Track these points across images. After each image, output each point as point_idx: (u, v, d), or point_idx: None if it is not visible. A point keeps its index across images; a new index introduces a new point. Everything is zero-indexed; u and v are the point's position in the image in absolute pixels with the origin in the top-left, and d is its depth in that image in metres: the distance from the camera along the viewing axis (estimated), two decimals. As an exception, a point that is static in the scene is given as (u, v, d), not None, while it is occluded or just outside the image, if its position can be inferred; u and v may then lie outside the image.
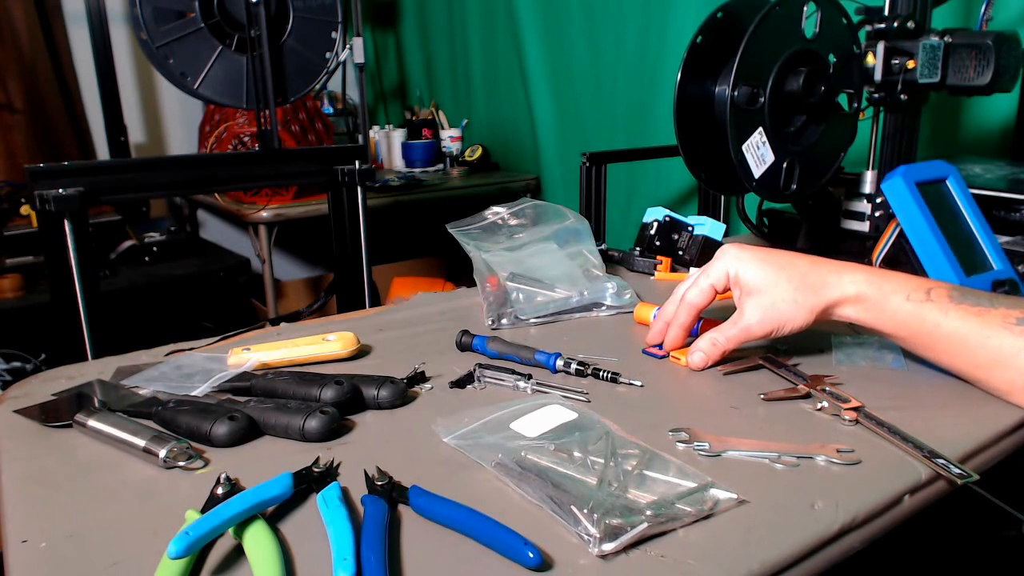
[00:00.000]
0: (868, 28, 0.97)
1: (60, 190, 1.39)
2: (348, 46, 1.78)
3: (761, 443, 0.59)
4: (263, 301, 2.49)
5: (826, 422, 0.64)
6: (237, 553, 0.48)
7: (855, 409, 0.64)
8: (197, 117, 2.69)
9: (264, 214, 2.28)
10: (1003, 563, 0.87)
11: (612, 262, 1.12)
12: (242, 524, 0.49)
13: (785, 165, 0.94)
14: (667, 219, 1.13)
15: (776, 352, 0.77)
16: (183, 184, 1.76)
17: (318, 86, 1.83)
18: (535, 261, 0.96)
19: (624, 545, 0.47)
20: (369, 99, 3.44)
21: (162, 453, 0.57)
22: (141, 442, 0.58)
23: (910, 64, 0.94)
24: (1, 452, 0.61)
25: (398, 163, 2.97)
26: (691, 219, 1.13)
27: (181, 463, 0.57)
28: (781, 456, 0.57)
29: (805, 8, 0.90)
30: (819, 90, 0.91)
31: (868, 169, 1.02)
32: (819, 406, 0.65)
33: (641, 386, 0.70)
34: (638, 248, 1.14)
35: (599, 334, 0.86)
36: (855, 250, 1.02)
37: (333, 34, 1.72)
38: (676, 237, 1.12)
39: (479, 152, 2.86)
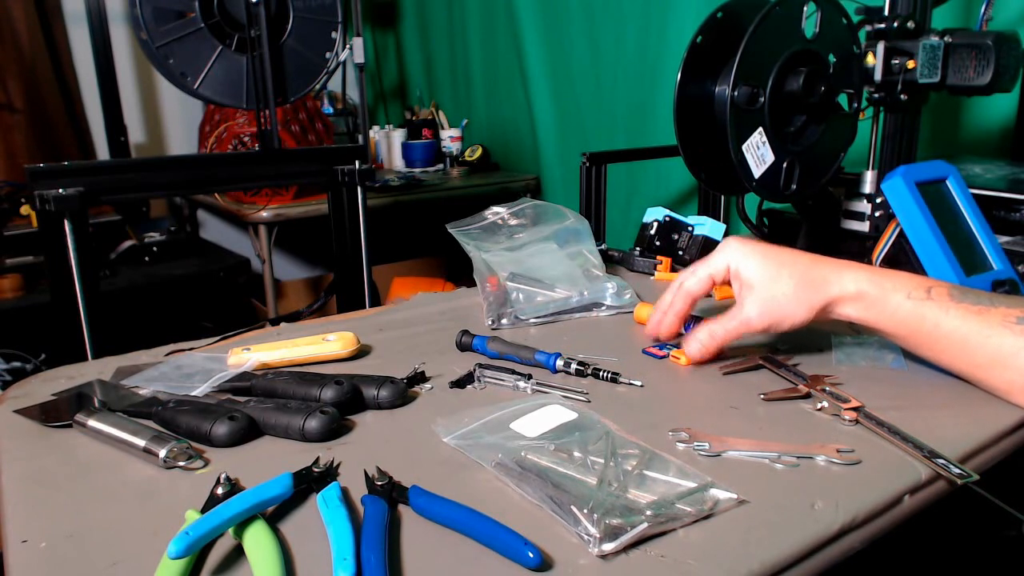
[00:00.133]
0: (868, 28, 0.97)
1: (60, 190, 1.39)
2: (348, 46, 1.78)
3: (761, 443, 0.59)
4: (263, 301, 2.49)
5: (826, 422, 0.64)
6: (237, 553, 0.48)
7: (855, 409, 0.64)
8: (197, 117, 2.68)
9: (264, 214, 2.28)
10: (1003, 563, 0.87)
11: (612, 262, 1.12)
12: (242, 524, 0.49)
13: (785, 165, 0.94)
14: (667, 219, 1.13)
15: (776, 352, 0.77)
16: (183, 184, 1.76)
17: (318, 86, 1.83)
18: (535, 261, 0.96)
19: (624, 545, 0.47)
20: (369, 99, 3.43)
21: (162, 453, 0.57)
22: (141, 442, 0.58)
23: (910, 64, 0.94)
24: (1, 452, 0.61)
25: (398, 163, 2.97)
26: (691, 219, 1.13)
27: (181, 463, 0.57)
28: (781, 456, 0.57)
29: (805, 8, 0.90)
30: (819, 90, 0.91)
31: (868, 169, 1.02)
32: (819, 406, 0.65)
33: (641, 386, 0.70)
34: (638, 248, 1.14)
35: (599, 334, 0.86)
36: (855, 250, 1.02)
37: (333, 34, 1.72)
38: (676, 237, 1.12)
39: (479, 152, 2.86)
